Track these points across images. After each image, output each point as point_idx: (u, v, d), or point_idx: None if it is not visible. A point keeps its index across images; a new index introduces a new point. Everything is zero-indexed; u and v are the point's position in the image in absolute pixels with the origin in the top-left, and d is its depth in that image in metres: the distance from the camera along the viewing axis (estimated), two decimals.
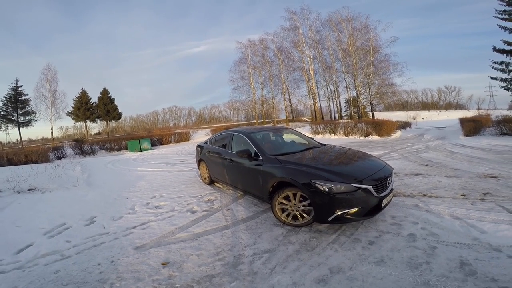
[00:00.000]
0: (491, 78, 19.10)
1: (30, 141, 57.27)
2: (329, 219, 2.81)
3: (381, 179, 3.03)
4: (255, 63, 34.07)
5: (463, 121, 13.63)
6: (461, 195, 3.95)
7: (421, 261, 2.32)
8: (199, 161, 5.82)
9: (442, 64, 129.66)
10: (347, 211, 2.77)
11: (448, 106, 69.79)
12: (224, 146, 4.78)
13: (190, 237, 3.15)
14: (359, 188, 2.81)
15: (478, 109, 43.44)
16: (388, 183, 3.15)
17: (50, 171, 7.63)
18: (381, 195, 2.95)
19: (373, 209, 2.91)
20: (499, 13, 17.86)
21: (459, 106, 68.61)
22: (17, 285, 2.38)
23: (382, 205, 2.97)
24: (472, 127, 11.70)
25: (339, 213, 2.76)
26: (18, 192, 5.58)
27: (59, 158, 14.17)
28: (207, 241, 2.99)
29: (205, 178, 5.61)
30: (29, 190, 5.71)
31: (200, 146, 5.89)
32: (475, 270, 2.13)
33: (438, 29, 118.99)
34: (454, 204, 3.61)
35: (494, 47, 18.11)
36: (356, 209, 2.78)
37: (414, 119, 32.24)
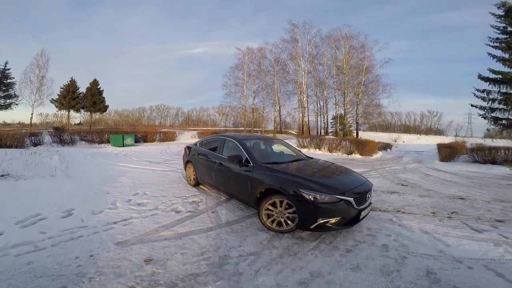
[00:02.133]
0: (471, 105, 19.06)
1: (5, 124, 54.19)
2: (312, 226, 2.96)
3: (361, 193, 3.23)
4: (250, 71, 34.25)
5: (440, 146, 14.43)
6: (431, 213, 4.34)
7: (392, 269, 2.54)
8: (187, 162, 5.80)
9: (429, 88, 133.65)
10: (329, 220, 2.93)
11: (429, 131, 72.95)
12: (215, 150, 4.82)
13: (174, 236, 3.14)
14: (341, 199, 2.99)
15: (456, 135, 45.48)
16: (368, 197, 3.36)
17: (25, 158, 7.28)
18: (360, 207, 3.14)
19: (352, 220, 3.10)
20: (491, 41, 17.76)
21: (438, 132, 71.91)
22: None
23: (361, 217, 3.17)
24: (448, 153, 12.43)
25: (321, 221, 2.91)
26: None
27: (35, 144, 13.46)
28: (192, 241, 3.00)
29: (191, 180, 5.60)
30: (2, 176, 5.40)
31: (188, 148, 5.88)
32: (439, 278, 2.40)
33: (429, 52, 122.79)
34: (424, 220, 3.96)
35: (480, 74, 18.10)
36: (337, 219, 2.95)
37: (395, 141, 33.52)
